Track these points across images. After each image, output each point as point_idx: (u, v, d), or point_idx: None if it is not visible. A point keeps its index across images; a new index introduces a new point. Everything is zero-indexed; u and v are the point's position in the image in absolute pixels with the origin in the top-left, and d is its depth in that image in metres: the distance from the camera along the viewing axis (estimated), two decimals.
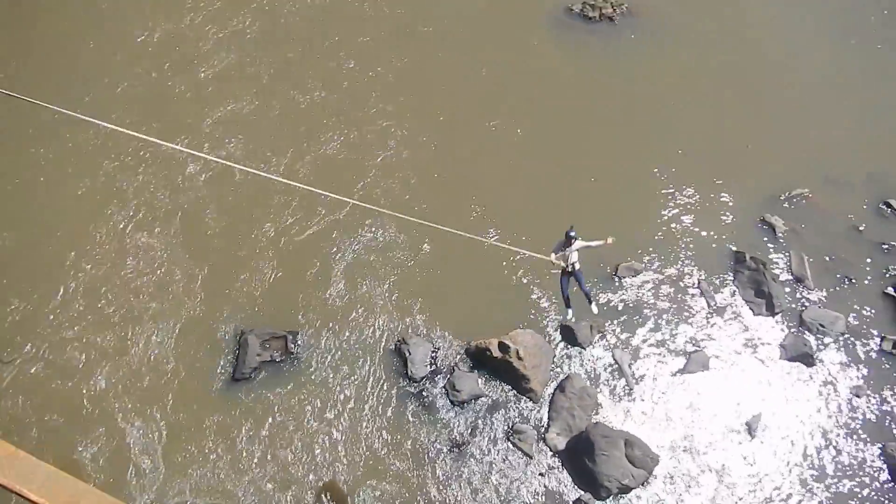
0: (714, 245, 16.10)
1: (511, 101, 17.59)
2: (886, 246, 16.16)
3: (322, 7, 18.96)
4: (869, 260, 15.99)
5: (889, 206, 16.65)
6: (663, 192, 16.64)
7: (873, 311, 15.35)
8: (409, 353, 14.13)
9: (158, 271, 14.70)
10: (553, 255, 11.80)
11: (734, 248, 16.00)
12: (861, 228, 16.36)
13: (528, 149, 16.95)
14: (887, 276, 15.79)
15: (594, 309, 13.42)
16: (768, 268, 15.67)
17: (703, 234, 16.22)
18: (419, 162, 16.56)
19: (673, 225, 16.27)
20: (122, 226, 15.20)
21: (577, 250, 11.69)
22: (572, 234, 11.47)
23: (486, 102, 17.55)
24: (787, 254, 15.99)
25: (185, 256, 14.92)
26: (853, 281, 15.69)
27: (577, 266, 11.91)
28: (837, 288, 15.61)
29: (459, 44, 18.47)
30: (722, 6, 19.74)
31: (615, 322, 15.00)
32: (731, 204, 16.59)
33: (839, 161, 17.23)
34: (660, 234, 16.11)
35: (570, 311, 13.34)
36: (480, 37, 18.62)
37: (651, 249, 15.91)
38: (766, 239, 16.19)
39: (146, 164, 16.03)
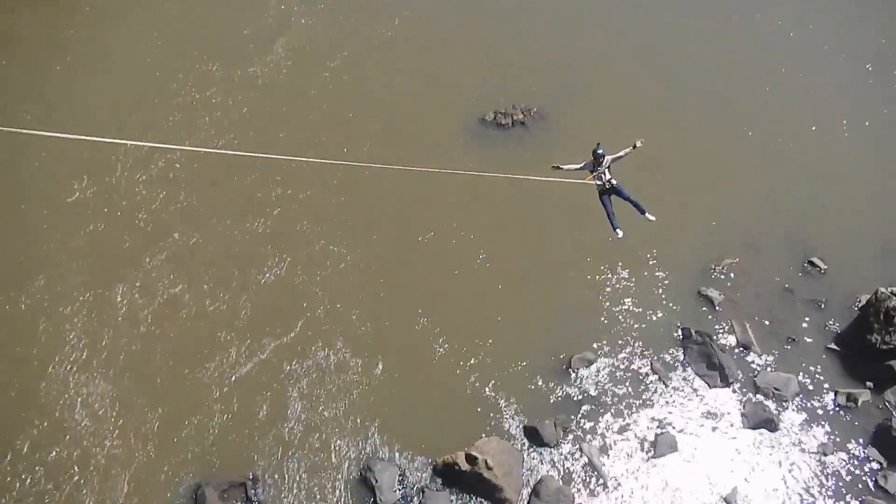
0: (659, 324, 16.36)
1: (440, 212, 17.87)
2: (820, 303, 16.78)
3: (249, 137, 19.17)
4: (807, 318, 16.52)
5: (812, 263, 17.42)
6: (599, 278, 16.96)
7: (821, 367, 15.74)
8: (376, 481, 13.51)
9: (107, 419, 13.86)
10: (589, 176, 11.49)
11: (679, 325, 16.29)
12: (792, 288, 16.99)
13: (465, 258, 17.13)
14: (827, 330, 16.31)
15: (650, 217, 12.36)
16: (715, 340, 15.99)
17: (646, 313, 16.49)
18: (358, 281, 16.47)
19: (615, 309, 16.51)
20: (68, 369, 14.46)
21: (610, 166, 11.40)
22: (600, 151, 11.24)
23: (418, 216, 17.79)
24: (729, 323, 16.37)
25: (134, 401, 14.15)
26: (796, 340, 16.12)
27: (615, 181, 11.62)
28: (784, 349, 15.98)
29: (385, 161, 18.79)
30: (620, 100, 20.88)
31: (578, 416, 14.82)
32: (667, 281, 17.02)
33: (756, 226, 18.04)
34: (604, 319, 16.31)
35: (618, 231, 12.45)
36: (403, 153, 19.08)
37: (599, 337, 16.03)
38: (705, 310, 16.57)
39: (88, 307, 15.40)
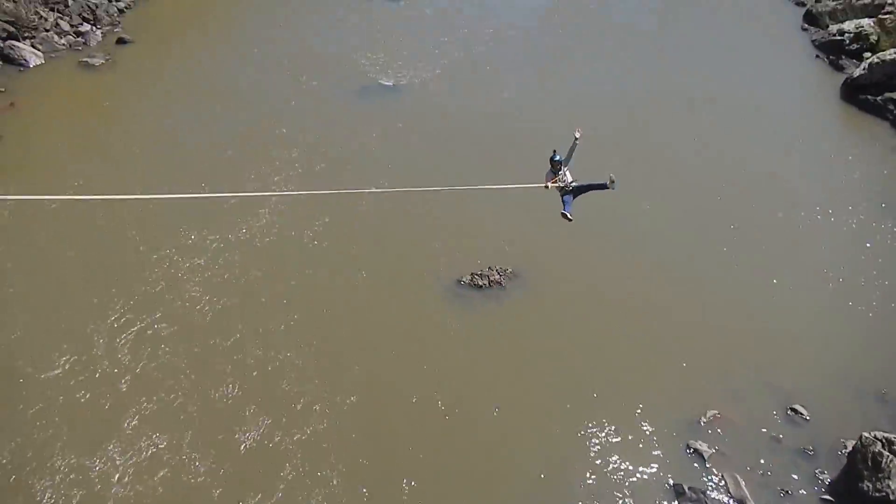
0: (650, 480, 15.94)
1: (422, 372, 17.84)
2: (808, 451, 16.66)
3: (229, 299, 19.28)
4: (797, 468, 16.29)
5: (795, 410, 17.48)
6: (584, 433, 16.72)
7: None
8: None
9: None
10: (549, 184, 11.73)
11: (671, 481, 15.91)
12: (779, 437, 16.90)
13: (450, 419, 16.88)
14: (818, 479, 16.05)
15: (613, 181, 12.32)
16: (709, 496, 15.58)
17: (636, 470, 16.11)
18: (341, 446, 15.99)
19: (603, 466, 16.12)
20: None
21: (568, 167, 11.59)
22: (557, 157, 11.55)
23: (401, 379, 17.69)
24: (720, 476, 16.05)
25: None
26: (790, 493, 15.79)
27: (575, 182, 11.81)
28: (779, 501, 15.60)
29: (364, 324, 19.04)
30: (594, 259, 21.82)
31: None
32: (654, 436, 16.82)
33: (737, 375, 18.24)
34: (592, 477, 15.88)
35: (568, 215, 12.44)
36: (382, 316, 19.34)
37: (588, 496, 15.51)
38: (696, 465, 16.27)
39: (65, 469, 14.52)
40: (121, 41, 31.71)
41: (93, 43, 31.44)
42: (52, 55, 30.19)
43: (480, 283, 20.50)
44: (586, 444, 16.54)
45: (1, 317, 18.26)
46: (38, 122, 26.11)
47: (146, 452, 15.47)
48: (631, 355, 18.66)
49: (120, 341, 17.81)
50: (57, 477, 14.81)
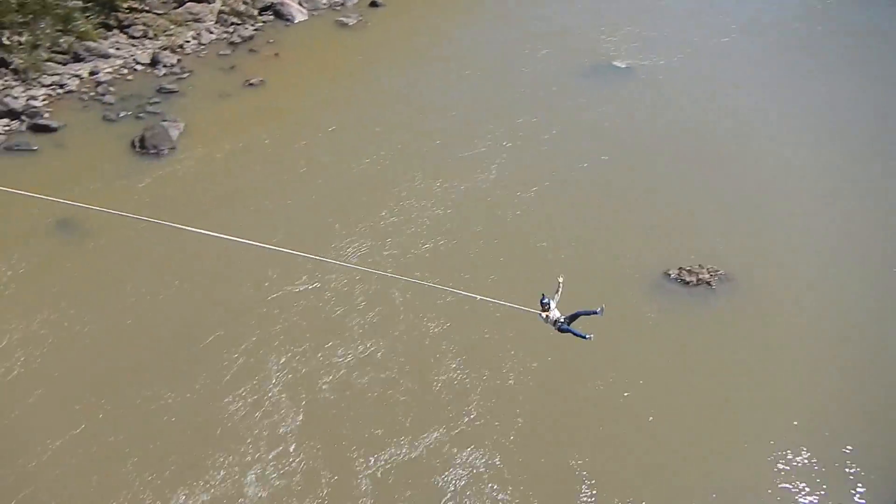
0: None
1: (610, 359, 17.52)
2: None
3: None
4: None
5: None
6: (780, 467, 15.42)
7: None
8: None
9: None
10: (542, 318, 12.61)
11: None
12: None
13: (634, 411, 16.48)
14: None
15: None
16: None
17: None
18: (520, 410, 16.25)
19: None
20: None
21: (556, 307, 12.58)
22: (545, 300, 12.45)
23: (587, 361, 17.51)
24: None
25: None
26: None
27: (563, 319, 12.58)
28: None
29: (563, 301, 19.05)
30: (823, 275, 19.97)
31: None
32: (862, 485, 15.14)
33: None
34: None
35: (588, 336, 13.11)
36: (582, 297, 19.19)
37: None
38: None
39: None
40: (373, 4, 34.02)
41: (349, 4, 34.04)
42: (314, 13, 33.19)
43: (688, 280, 19.59)
44: (782, 477, 15.26)
45: None
46: (296, 72, 28.99)
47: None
48: (845, 391, 16.85)
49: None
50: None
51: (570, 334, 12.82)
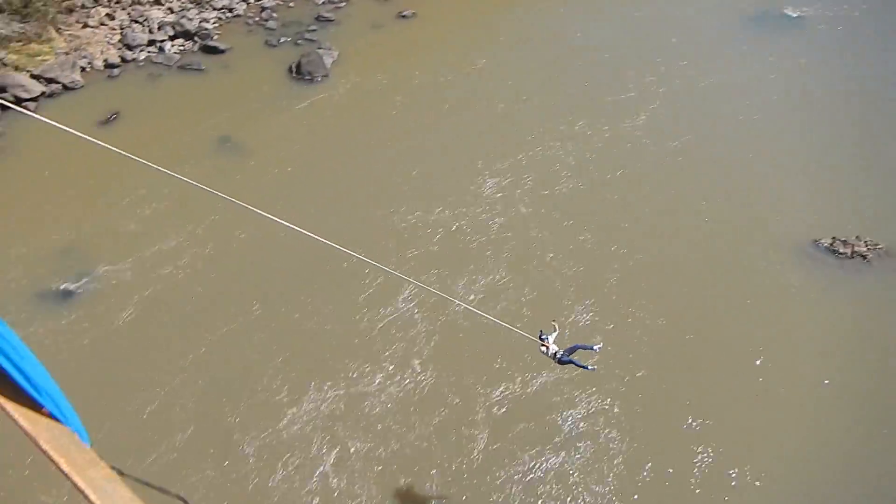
0: None
1: (745, 322, 16.88)
2: None
3: None
4: None
5: None
6: None
7: None
8: None
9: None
10: (542, 351, 13.17)
11: None
12: None
13: (765, 378, 15.90)
14: None
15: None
16: None
17: None
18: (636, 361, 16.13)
19: None
20: None
21: (555, 341, 13.15)
22: (543, 336, 13.09)
23: (721, 320, 17.00)
24: None
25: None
26: None
27: (561, 353, 12.98)
28: None
29: (702, 264, 18.50)
30: None
31: None
32: None
33: None
34: None
35: (589, 367, 13.50)
36: (720, 264, 18.51)
37: None
38: None
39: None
40: None
41: None
42: None
43: (842, 252, 18.36)
44: None
45: None
46: (449, 6, 29.05)
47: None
48: None
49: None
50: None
51: (571, 365, 13.50)
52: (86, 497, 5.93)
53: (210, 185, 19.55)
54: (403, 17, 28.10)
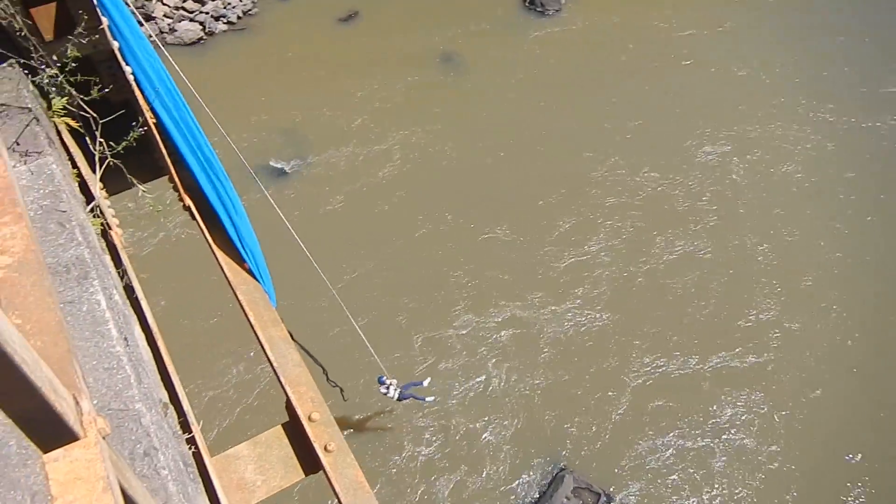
0: None
1: None
2: None
3: None
4: None
5: None
6: None
7: None
8: None
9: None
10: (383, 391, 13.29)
11: None
12: None
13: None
14: None
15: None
16: None
17: None
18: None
19: None
20: None
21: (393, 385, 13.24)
22: (383, 379, 13.02)
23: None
24: None
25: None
26: None
27: (400, 392, 13.17)
28: None
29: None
30: None
31: None
32: None
33: None
34: None
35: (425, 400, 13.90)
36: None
37: None
38: None
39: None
40: None
41: None
42: None
43: None
44: None
45: None
46: None
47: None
48: None
49: None
50: None
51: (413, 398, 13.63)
52: (263, 349, 6.63)
53: (428, 98, 20.32)
54: None
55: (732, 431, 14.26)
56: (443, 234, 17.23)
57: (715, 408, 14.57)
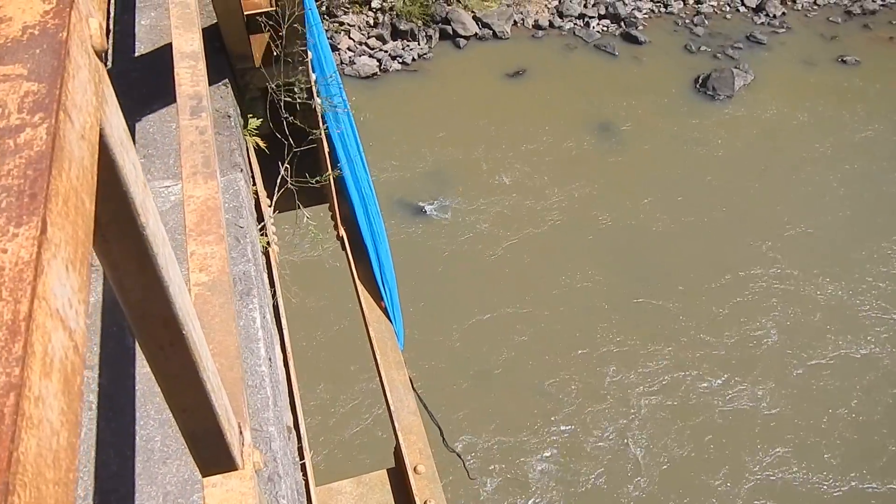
0: None
1: None
2: None
3: None
4: None
5: None
6: None
7: None
8: None
9: None
10: None
11: None
12: None
13: None
14: None
15: None
16: None
17: None
18: None
19: None
20: None
21: None
22: None
23: None
24: None
25: None
26: None
27: None
28: None
29: None
30: None
31: None
32: None
33: None
34: None
35: None
36: None
37: None
38: None
39: None
40: None
41: None
42: None
43: None
44: None
45: None
46: None
47: None
48: None
49: None
50: None
51: None
52: (383, 390, 6.71)
53: (584, 165, 20.37)
54: (843, 62, 25.27)
55: None
56: (594, 292, 17.02)
57: None
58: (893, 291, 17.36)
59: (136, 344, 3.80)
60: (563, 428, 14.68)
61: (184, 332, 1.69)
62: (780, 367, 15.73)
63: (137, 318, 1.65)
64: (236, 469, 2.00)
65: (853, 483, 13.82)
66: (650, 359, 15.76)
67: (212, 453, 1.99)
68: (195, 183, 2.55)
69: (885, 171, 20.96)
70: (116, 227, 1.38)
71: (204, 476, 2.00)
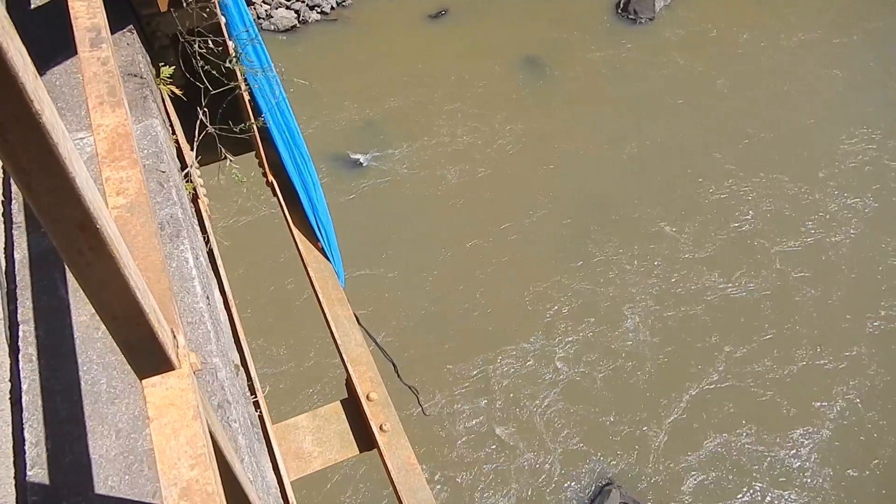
0: None
1: None
2: None
3: None
4: None
5: None
6: None
7: None
8: None
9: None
10: None
11: None
12: None
13: None
14: None
15: None
16: None
17: None
18: None
19: None
20: None
21: None
22: None
23: None
24: None
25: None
26: None
27: None
28: None
29: None
30: None
31: None
32: None
33: None
34: None
35: None
36: None
37: None
38: None
39: None
40: None
41: None
42: None
43: None
44: None
45: None
46: None
47: None
48: None
49: None
50: None
51: None
52: (329, 327, 6.84)
53: (517, 101, 20.43)
54: None
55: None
56: (529, 233, 17.28)
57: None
58: (857, 180, 18.28)
59: (70, 293, 3.82)
60: (528, 345, 15.18)
61: (101, 235, 1.76)
62: (756, 257, 16.62)
63: (52, 223, 1.71)
64: (173, 369, 2.11)
65: (790, 367, 14.75)
66: (595, 296, 16.25)
67: (147, 358, 2.09)
68: (103, 112, 2.57)
69: (831, 76, 21.60)
70: (14, 124, 1.44)
71: (142, 379, 2.09)
